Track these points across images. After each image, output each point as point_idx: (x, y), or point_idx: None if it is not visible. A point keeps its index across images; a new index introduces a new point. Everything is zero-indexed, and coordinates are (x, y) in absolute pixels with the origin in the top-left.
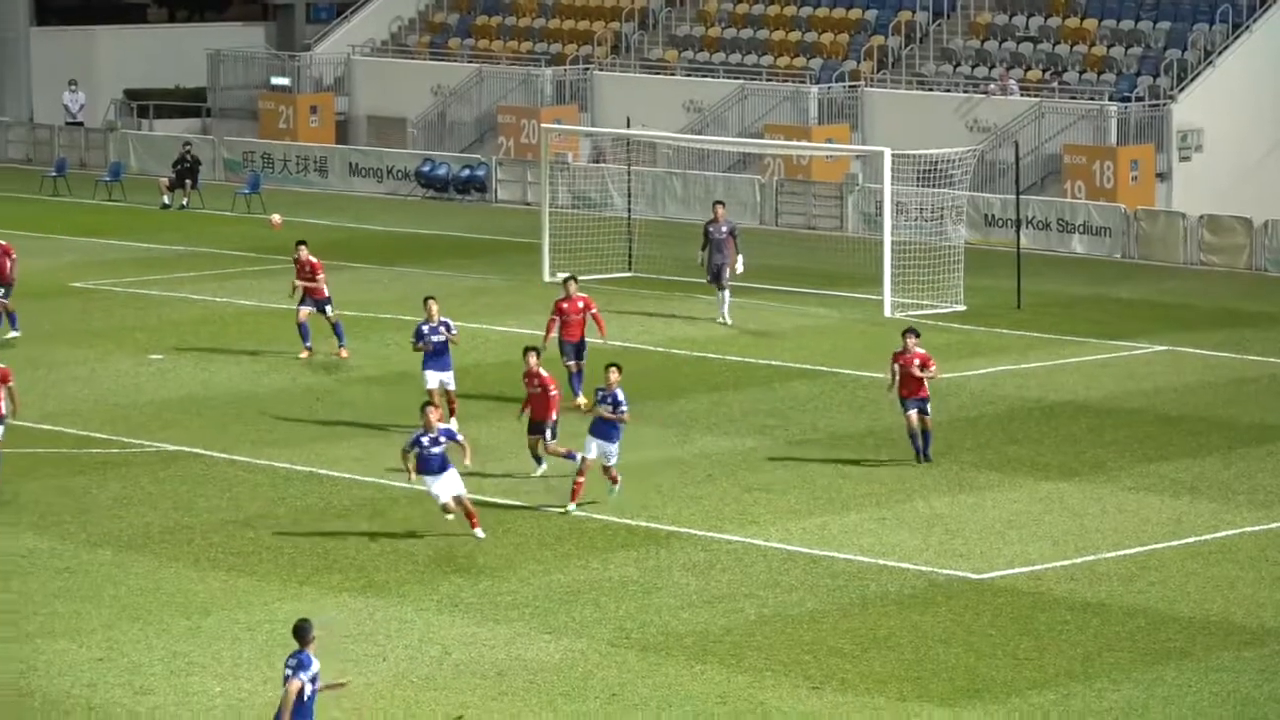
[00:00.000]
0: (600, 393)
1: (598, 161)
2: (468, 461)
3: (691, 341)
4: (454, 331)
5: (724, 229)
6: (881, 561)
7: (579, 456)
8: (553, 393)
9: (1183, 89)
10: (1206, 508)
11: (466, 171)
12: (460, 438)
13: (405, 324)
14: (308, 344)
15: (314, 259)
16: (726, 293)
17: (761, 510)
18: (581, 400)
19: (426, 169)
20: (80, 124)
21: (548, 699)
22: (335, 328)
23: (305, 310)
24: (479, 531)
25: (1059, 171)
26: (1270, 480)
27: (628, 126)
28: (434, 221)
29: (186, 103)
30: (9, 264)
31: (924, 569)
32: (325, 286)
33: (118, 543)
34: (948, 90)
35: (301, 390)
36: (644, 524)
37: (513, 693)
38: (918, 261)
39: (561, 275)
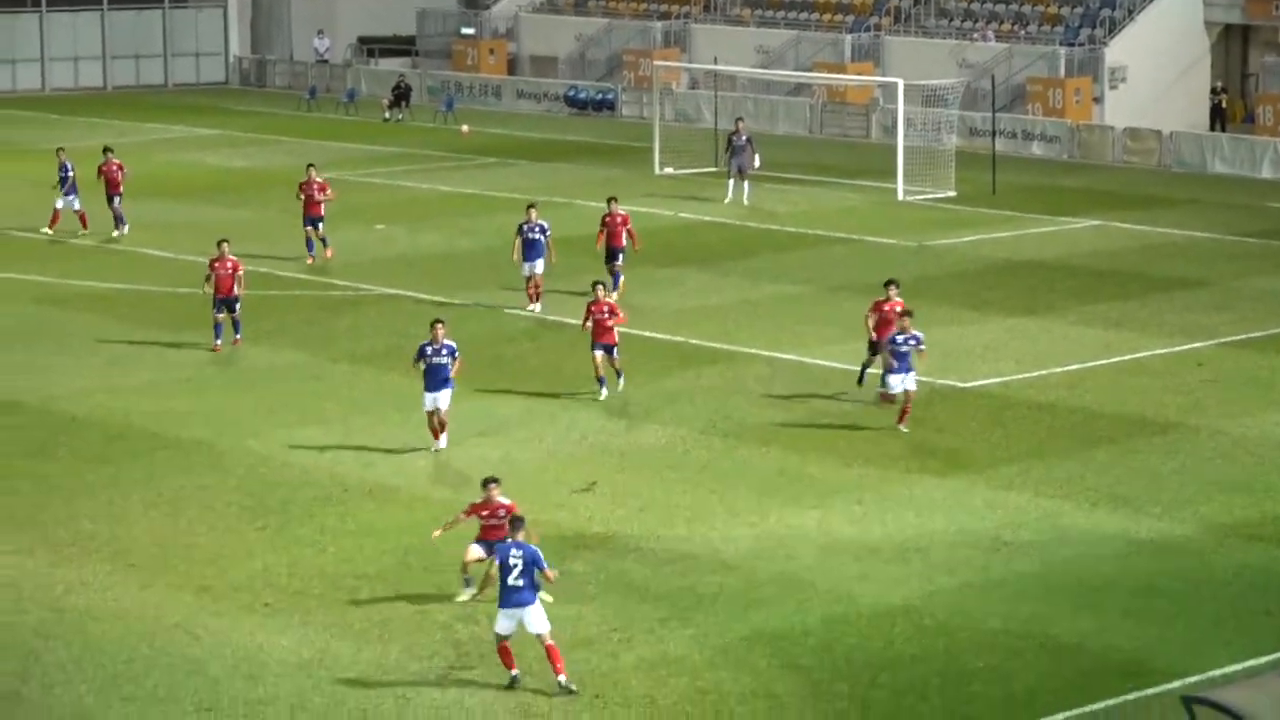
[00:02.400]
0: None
1: (693, 88)
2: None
3: (763, 215)
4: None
5: (743, 138)
6: None
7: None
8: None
9: (1112, 36)
10: (1129, 336)
11: (600, 95)
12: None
13: (554, 205)
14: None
15: (320, 179)
16: (747, 184)
17: (810, 337)
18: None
19: (571, 94)
20: (326, 61)
21: (656, 470)
22: (323, 240)
23: (309, 229)
24: (441, 441)
25: (1023, 96)
26: (1175, 317)
27: (714, 64)
28: (576, 131)
29: (402, 45)
30: (120, 176)
31: (924, 379)
32: (323, 207)
33: (351, 358)
34: (945, 38)
35: (484, 251)
36: (724, 346)
37: (631, 467)
38: (921, 160)
39: (608, 196)
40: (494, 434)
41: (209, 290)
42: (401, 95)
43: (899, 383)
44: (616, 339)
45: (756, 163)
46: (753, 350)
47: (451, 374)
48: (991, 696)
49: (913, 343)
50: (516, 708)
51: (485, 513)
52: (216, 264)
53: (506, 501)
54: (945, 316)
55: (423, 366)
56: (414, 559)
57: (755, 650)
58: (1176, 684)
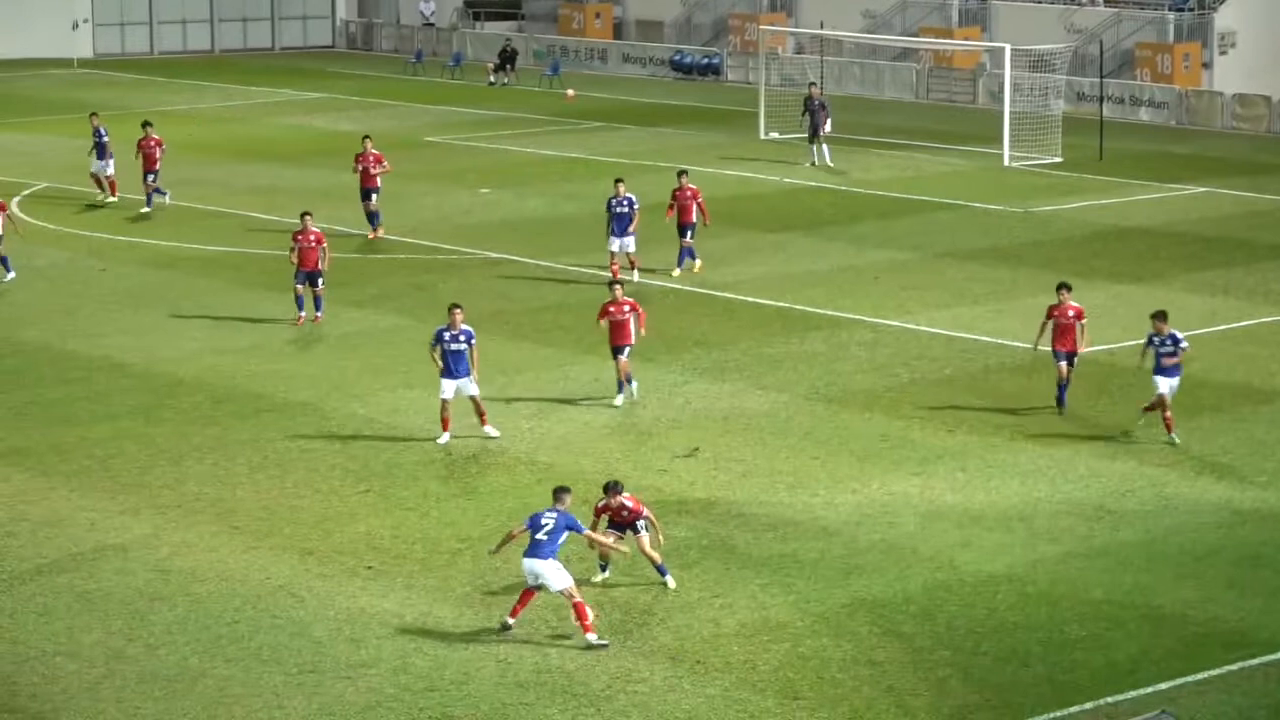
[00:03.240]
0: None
1: (799, 53)
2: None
3: (867, 182)
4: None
5: (816, 103)
6: (999, 340)
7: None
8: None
9: (1221, 2)
10: (1235, 304)
11: (705, 60)
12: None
13: (658, 170)
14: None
15: (375, 151)
16: (826, 146)
17: (914, 303)
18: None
19: (677, 58)
20: (432, 25)
21: (759, 436)
22: (374, 215)
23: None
24: (490, 429)
25: (1131, 62)
26: None
27: (820, 28)
28: (681, 96)
29: (507, 9)
30: (159, 152)
31: (1027, 346)
32: (379, 178)
33: None
34: (1052, 2)
35: (588, 215)
36: (830, 312)
37: (734, 431)
38: (1027, 126)
39: (679, 170)
40: (598, 398)
41: (294, 262)
42: (507, 59)
43: (1165, 385)
44: (633, 339)
45: (828, 126)
46: (857, 316)
47: (471, 362)
48: (1093, 665)
49: (1171, 344)
50: (619, 672)
51: (609, 513)
52: (299, 236)
53: (630, 503)
54: (1050, 283)
55: (439, 352)
56: (516, 523)
57: (856, 617)
58: (1279, 655)
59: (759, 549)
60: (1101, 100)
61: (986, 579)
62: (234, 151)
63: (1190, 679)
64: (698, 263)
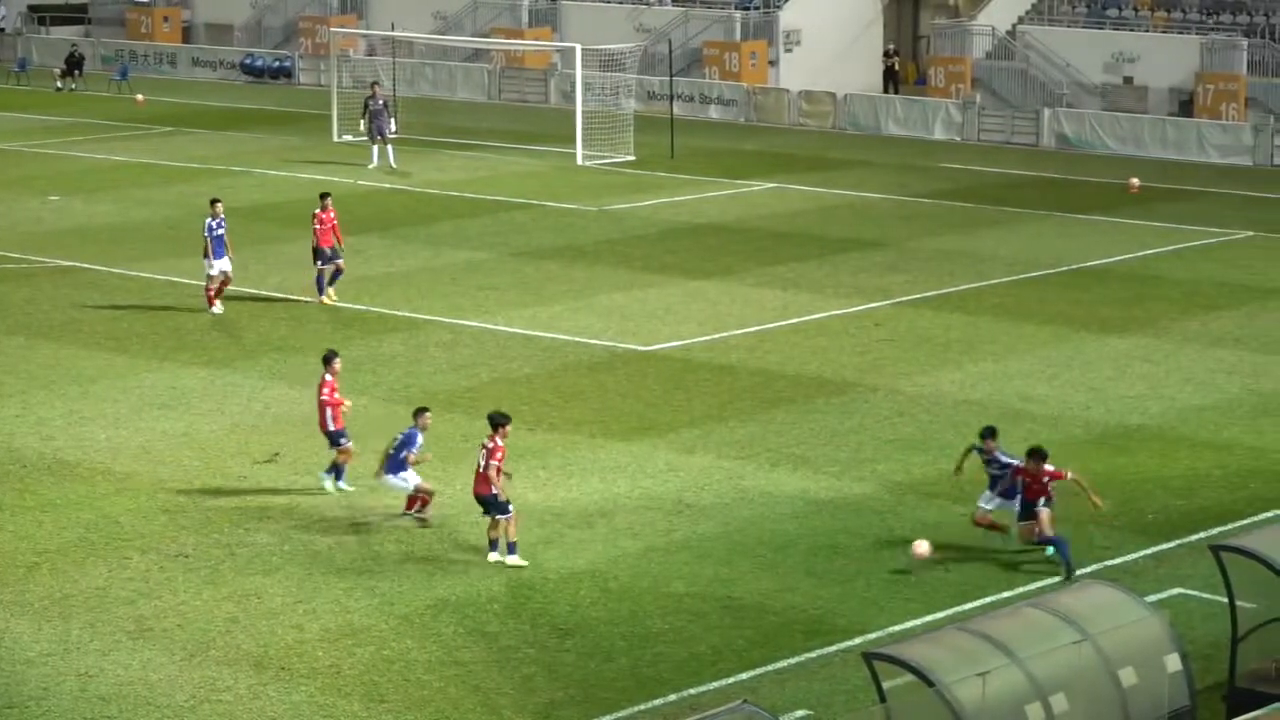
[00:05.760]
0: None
1: (371, 55)
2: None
3: (442, 183)
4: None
5: (380, 101)
6: (576, 339)
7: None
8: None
9: (786, 0)
10: (806, 297)
11: (277, 63)
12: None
13: (230, 174)
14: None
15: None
16: (390, 147)
17: (492, 303)
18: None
19: (248, 61)
20: (2, 30)
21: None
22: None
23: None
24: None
25: (700, 60)
26: (850, 278)
27: (391, 29)
28: (254, 99)
29: (74, 13)
30: None
31: (607, 343)
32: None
33: (28, 331)
34: (621, 2)
35: (160, 221)
36: (408, 314)
37: (314, 435)
38: (600, 124)
39: (321, 193)
40: (176, 406)
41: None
42: (74, 64)
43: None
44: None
45: (393, 126)
46: (436, 317)
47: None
48: (676, 657)
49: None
50: (202, 681)
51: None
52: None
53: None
54: (626, 280)
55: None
56: (94, 534)
57: (441, 618)
58: (858, 640)
59: (342, 553)
60: (671, 98)
61: (569, 575)
62: None
63: (770, 668)
64: (332, 292)
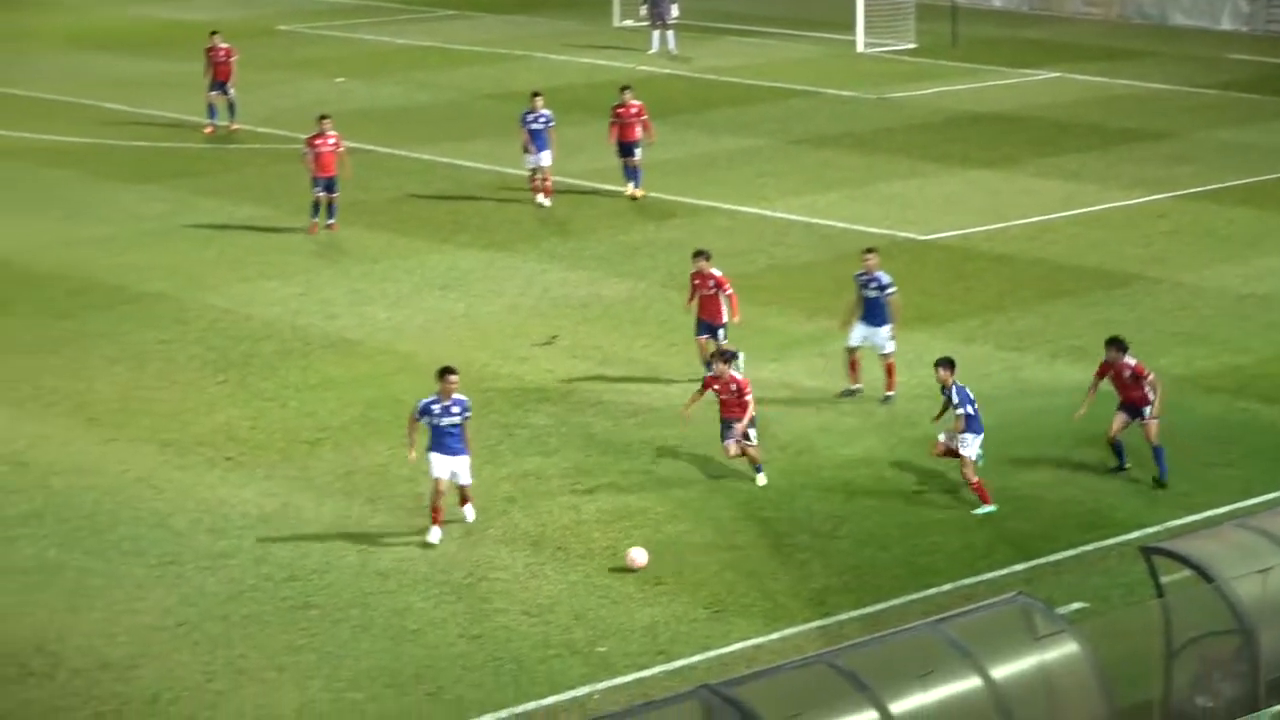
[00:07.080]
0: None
1: None
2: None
3: (720, 69)
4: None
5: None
6: (856, 227)
7: None
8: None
9: None
10: (1089, 188)
11: None
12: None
13: (510, 59)
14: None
15: (225, 45)
16: (671, 33)
17: (770, 190)
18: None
19: None
20: None
21: (616, 323)
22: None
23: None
24: (468, 513)
25: None
26: (1134, 170)
27: None
28: None
29: None
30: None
31: (886, 232)
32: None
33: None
34: None
35: (445, 104)
36: (686, 199)
37: (592, 319)
38: (881, 11)
39: (622, 86)
40: (455, 287)
41: (309, 167)
42: None
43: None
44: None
45: (675, 11)
46: (714, 203)
47: (465, 440)
48: (951, 547)
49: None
50: (480, 560)
51: (718, 386)
52: (316, 140)
53: (740, 377)
54: (905, 169)
55: (421, 427)
56: (376, 412)
57: (715, 500)
58: (1135, 534)
59: (618, 435)
60: None
61: (845, 463)
62: (69, 40)
63: (1046, 559)
64: (640, 189)
